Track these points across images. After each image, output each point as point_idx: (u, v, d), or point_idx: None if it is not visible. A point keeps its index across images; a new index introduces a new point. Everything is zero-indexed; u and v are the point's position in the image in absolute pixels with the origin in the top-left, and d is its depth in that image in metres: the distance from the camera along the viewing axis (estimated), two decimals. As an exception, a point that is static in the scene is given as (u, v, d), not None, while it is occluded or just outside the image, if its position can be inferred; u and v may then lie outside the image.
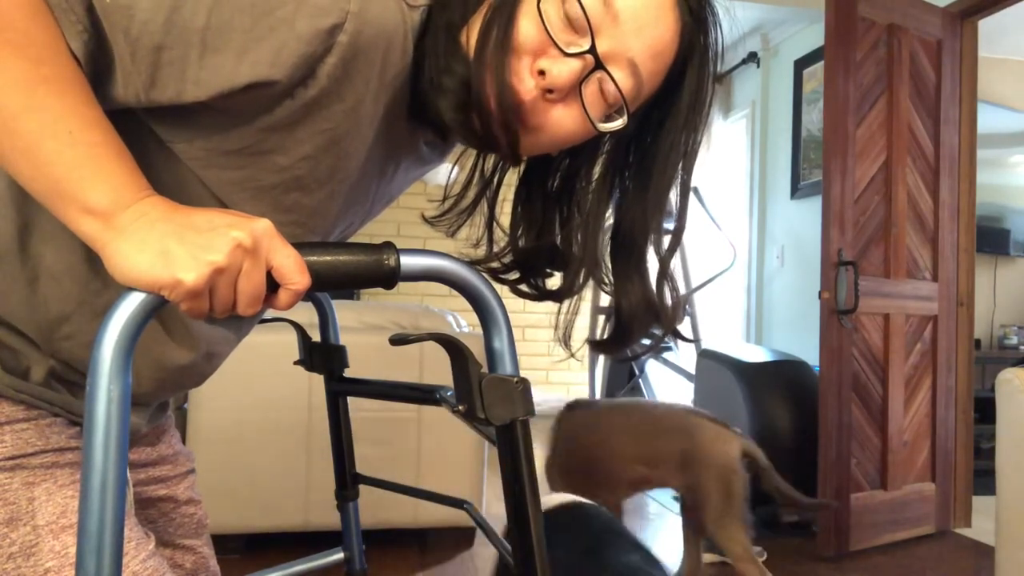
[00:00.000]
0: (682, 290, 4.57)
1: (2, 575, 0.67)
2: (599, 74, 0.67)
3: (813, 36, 4.22)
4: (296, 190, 0.68)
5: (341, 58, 0.61)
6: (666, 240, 0.77)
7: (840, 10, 2.96)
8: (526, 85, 0.66)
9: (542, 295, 0.81)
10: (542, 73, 0.66)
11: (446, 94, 0.67)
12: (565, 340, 0.80)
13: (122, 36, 0.57)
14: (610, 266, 0.77)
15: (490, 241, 0.82)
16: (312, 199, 0.70)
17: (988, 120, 4.03)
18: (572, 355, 0.80)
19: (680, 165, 0.74)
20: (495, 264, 0.80)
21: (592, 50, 0.66)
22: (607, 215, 0.77)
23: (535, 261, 0.80)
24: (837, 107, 2.95)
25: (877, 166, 3.08)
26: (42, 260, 0.68)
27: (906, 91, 3.15)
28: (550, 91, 0.67)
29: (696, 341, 4.73)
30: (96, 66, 0.59)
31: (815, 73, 4.21)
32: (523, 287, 0.81)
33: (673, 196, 0.75)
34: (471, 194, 0.82)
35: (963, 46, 3.36)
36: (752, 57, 4.84)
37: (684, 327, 4.84)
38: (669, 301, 0.77)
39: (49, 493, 0.70)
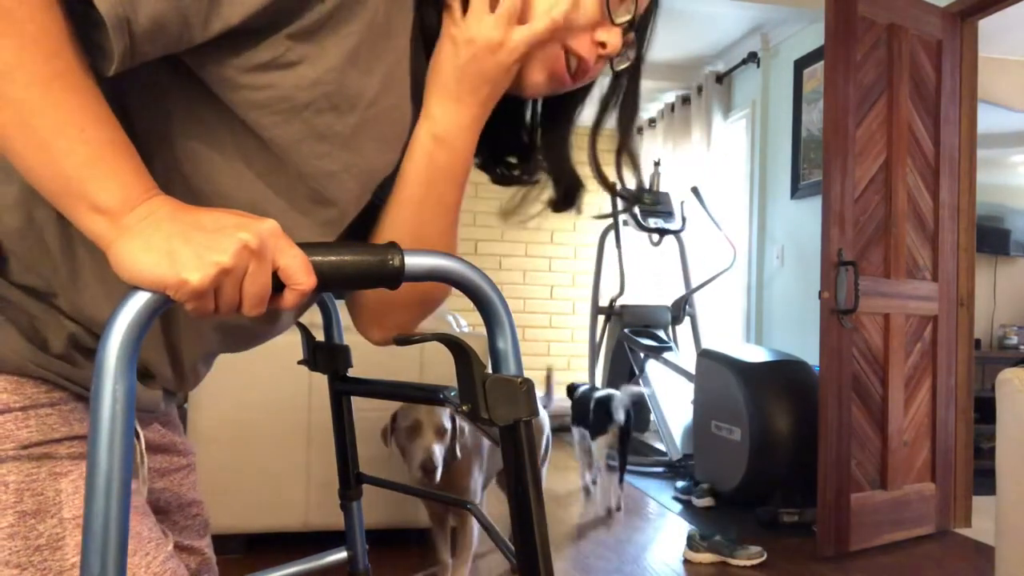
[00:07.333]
0: (682, 290, 4.54)
1: (29, 567, 0.67)
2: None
3: (813, 36, 4.22)
4: (328, 110, 0.69)
5: None
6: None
7: (840, 10, 2.96)
8: (592, 56, 0.78)
9: (508, 180, 0.93)
10: (603, 44, 0.77)
11: None
12: (516, 210, 0.93)
13: None
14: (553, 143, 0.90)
15: None
16: (344, 124, 0.70)
17: (988, 120, 4.04)
18: (524, 222, 0.93)
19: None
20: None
21: (634, 17, 0.76)
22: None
23: (500, 152, 0.92)
24: (837, 107, 2.95)
25: (877, 166, 3.09)
26: None
27: (906, 91, 3.15)
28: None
29: (696, 334, 4.73)
30: (129, 31, 0.57)
31: (815, 73, 4.21)
32: (495, 174, 0.93)
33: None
34: None
35: (963, 46, 3.37)
36: (752, 57, 4.84)
37: (684, 327, 4.86)
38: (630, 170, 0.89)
39: (76, 487, 0.69)
